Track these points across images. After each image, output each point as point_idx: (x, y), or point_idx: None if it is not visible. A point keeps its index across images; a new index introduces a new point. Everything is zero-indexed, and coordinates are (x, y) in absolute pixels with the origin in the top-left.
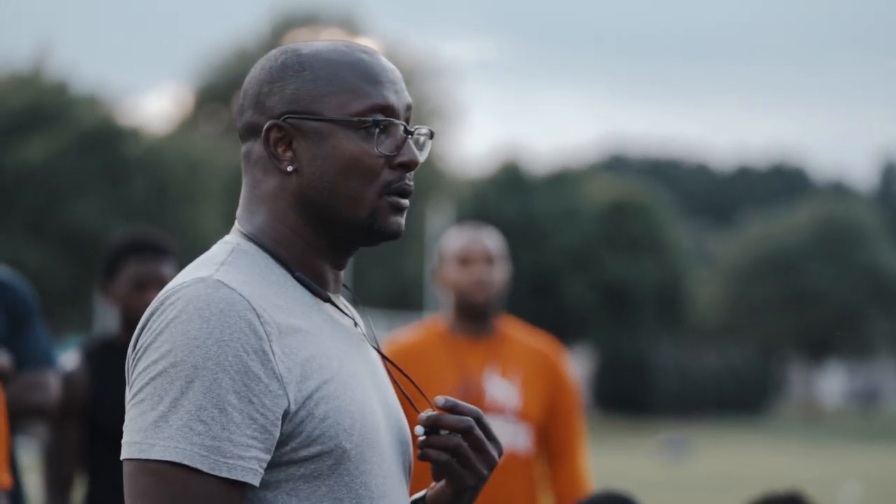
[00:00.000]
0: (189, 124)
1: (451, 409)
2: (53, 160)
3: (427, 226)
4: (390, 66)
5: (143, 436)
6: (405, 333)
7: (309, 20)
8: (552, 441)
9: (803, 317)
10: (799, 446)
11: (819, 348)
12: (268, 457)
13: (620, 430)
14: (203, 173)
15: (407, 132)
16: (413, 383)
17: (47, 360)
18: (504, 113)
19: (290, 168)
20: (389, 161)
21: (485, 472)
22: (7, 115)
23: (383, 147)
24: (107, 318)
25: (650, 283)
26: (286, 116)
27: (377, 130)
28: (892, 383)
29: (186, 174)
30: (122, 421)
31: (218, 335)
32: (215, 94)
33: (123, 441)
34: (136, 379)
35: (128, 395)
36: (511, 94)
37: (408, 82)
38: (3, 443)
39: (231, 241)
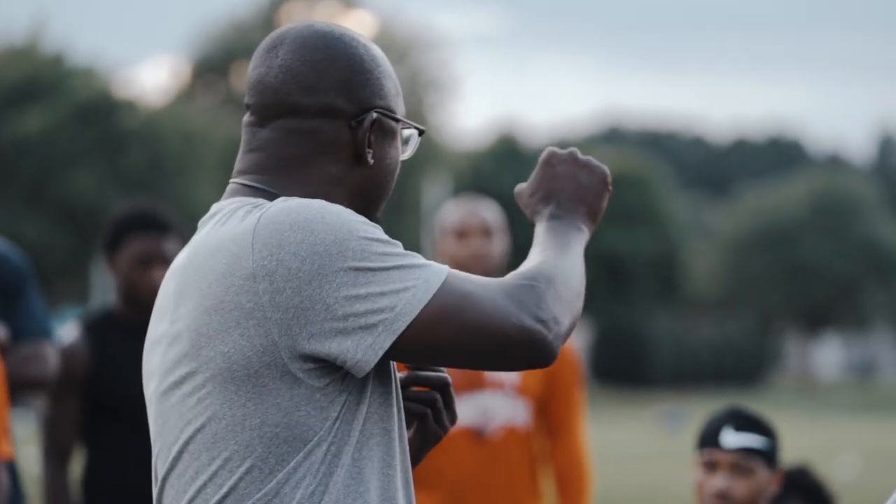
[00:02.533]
0: (185, 96)
1: (418, 378)
2: (50, 132)
3: (423, 198)
4: None
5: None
6: None
7: None
8: (551, 415)
9: (800, 289)
10: (795, 418)
11: (815, 320)
12: None
13: (618, 403)
14: (199, 145)
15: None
16: None
17: (44, 332)
18: (500, 85)
19: (372, 160)
20: None
21: (448, 427)
22: (3, 87)
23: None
24: (104, 291)
25: (647, 255)
26: (380, 110)
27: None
28: (888, 355)
29: (183, 146)
30: (121, 394)
31: (331, 205)
32: (212, 66)
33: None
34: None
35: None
36: (507, 67)
37: (404, 55)
38: (2, 413)
39: (256, 202)
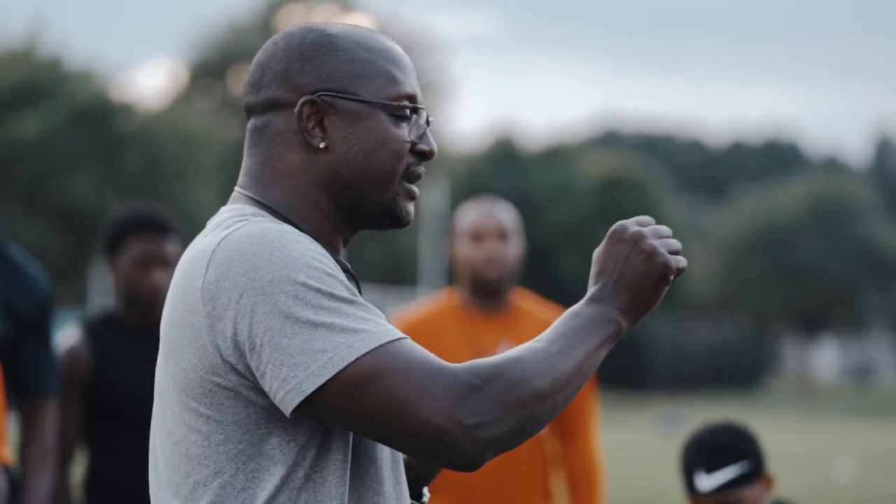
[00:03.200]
0: (183, 99)
1: None
2: (48, 136)
3: (420, 201)
4: (404, 53)
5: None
6: (418, 307)
7: None
8: (565, 418)
9: (797, 292)
10: (793, 421)
11: (813, 323)
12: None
13: (615, 405)
14: (197, 149)
15: (428, 122)
16: None
17: (47, 389)
18: (497, 88)
19: (322, 145)
20: (412, 148)
21: None
22: (1, 91)
23: (411, 133)
24: (101, 294)
25: None
26: (321, 94)
27: (411, 118)
28: (885, 358)
29: (180, 149)
30: (124, 396)
31: (290, 240)
32: (209, 70)
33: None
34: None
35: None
36: (504, 69)
37: None
38: (1, 418)
39: (242, 209)
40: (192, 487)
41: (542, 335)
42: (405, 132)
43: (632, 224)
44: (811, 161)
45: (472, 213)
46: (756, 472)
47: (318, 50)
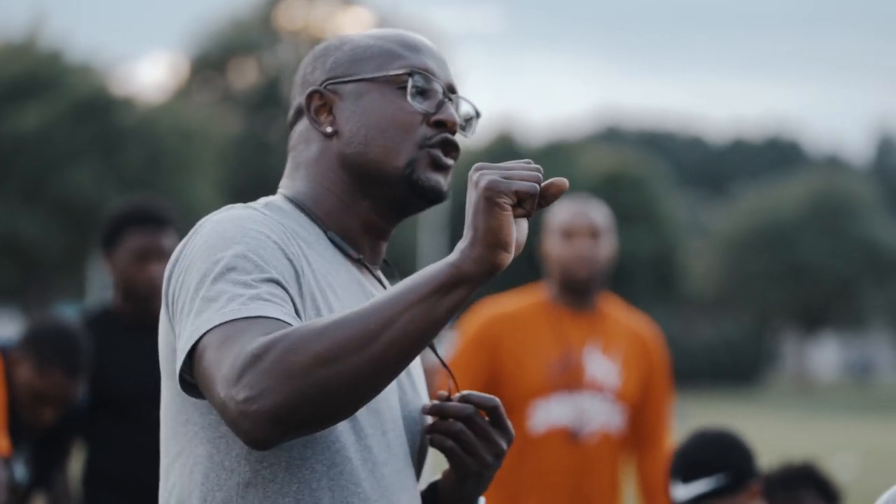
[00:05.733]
0: (183, 93)
1: (465, 400)
2: (48, 129)
3: None
4: (435, 46)
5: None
6: (509, 299)
7: None
8: (642, 425)
9: (797, 289)
10: (792, 418)
11: (813, 320)
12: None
13: None
14: (197, 142)
15: (446, 95)
16: (445, 366)
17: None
18: (498, 84)
19: (329, 129)
20: (427, 119)
21: (489, 459)
22: (1, 83)
23: (421, 104)
24: (100, 287)
25: (645, 254)
26: (326, 83)
27: (412, 87)
28: (885, 355)
29: (180, 143)
30: (122, 390)
31: (238, 225)
32: (210, 63)
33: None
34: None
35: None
36: (505, 65)
37: None
38: (1, 409)
39: (262, 200)
40: (166, 469)
41: None
42: (416, 104)
43: (477, 167)
44: (812, 158)
45: (564, 211)
46: (736, 484)
47: (328, 49)
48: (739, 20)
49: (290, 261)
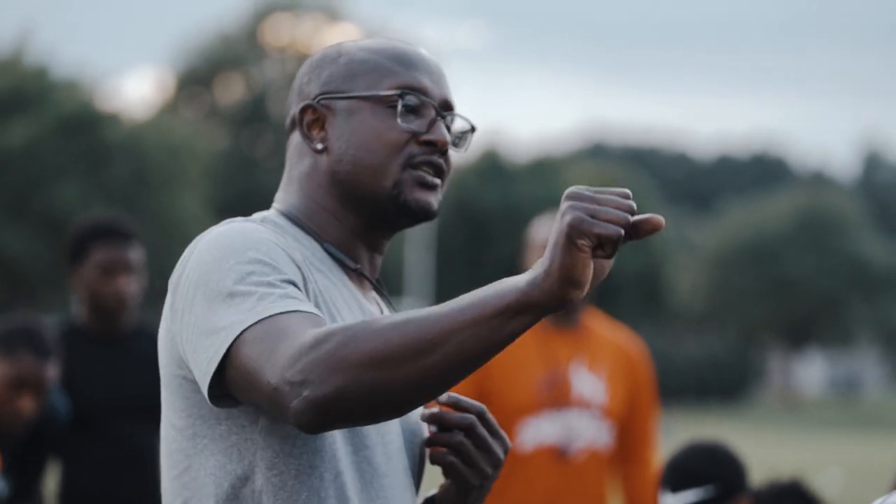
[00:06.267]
0: (170, 108)
1: (454, 405)
2: (34, 145)
3: None
4: (433, 59)
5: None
6: None
7: (291, 4)
8: (628, 441)
9: (783, 305)
10: (778, 434)
11: (799, 336)
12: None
13: None
14: (183, 158)
15: (438, 114)
16: None
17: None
18: (484, 100)
19: (319, 146)
20: (416, 138)
21: (489, 471)
22: None
23: (411, 124)
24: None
25: (631, 270)
26: (320, 98)
27: (402, 106)
28: (871, 371)
29: (167, 158)
30: (88, 405)
31: (246, 235)
32: (196, 78)
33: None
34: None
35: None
36: (491, 81)
37: None
38: None
39: (260, 213)
40: (171, 482)
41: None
42: (406, 123)
43: (574, 189)
44: (798, 175)
45: (545, 227)
46: (725, 496)
47: (324, 60)
48: (725, 36)
49: (299, 267)
